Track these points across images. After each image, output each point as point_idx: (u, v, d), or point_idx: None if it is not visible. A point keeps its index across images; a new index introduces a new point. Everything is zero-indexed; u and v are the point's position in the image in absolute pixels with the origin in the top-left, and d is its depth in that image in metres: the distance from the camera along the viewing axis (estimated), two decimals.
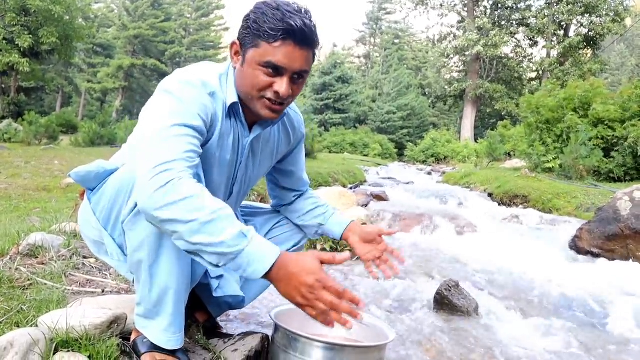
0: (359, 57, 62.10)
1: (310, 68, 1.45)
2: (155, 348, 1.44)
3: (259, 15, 1.35)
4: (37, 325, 1.48)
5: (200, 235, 1.16)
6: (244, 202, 1.89)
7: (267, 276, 1.21)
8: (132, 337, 1.51)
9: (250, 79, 1.39)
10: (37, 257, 2.29)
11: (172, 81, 1.39)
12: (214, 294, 1.62)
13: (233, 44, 1.45)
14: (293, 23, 1.33)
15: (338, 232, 1.81)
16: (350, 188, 8.95)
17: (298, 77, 1.41)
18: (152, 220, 1.22)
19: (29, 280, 1.97)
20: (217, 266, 1.20)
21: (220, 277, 1.65)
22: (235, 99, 1.45)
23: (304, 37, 1.35)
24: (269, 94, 1.40)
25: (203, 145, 1.40)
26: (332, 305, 1.21)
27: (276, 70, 1.37)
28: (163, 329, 1.43)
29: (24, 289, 1.87)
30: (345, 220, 1.82)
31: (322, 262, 1.25)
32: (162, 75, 47.97)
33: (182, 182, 1.19)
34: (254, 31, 1.36)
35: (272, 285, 1.76)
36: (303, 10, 1.38)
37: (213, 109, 1.41)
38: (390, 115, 39.59)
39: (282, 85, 1.38)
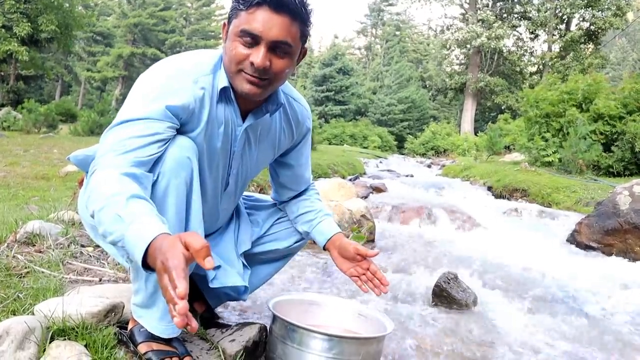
0: (359, 48, 61.90)
1: (295, 42, 1.36)
2: (152, 337, 1.43)
3: None
4: (33, 313, 1.47)
5: (99, 225, 1.13)
6: (248, 193, 1.87)
7: (146, 260, 1.04)
8: (129, 327, 1.50)
9: (230, 52, 1.34)
10: (35, 245, 2.27)
11: (147, 73, 1.39)
12: (210, 285, 1.60)
13: (223, 24, 1.41)
14: None
15: (321, 243, 1.76)
16: (350, 179, 8.94)
17: (278, 49, 1.33)
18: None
19: (26, 268, 1.96)
20: (130, 260, 1.17)
21: (217, 267, 1.63)
22: (225, 83, 1.40)
23: (280, 2, 1.28)
24: (246, 67, 1.33)
25: (185, 133, 1.38)
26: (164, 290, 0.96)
27: (252, 39, 1.30)
28: (159, 317, 1.41)
29: (21, 277, 1.86)
30: (329, 232, 1.75)
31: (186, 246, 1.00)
32: None
33: (95, 175, 1.20)
34: (235, 3, 1.33)
35: (274, 276, 1.74)
36: None
37: (195, 97, 1.35)
38: (390, 107, 39.54)
39: (257, 55, 1.30)
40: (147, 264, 1.05)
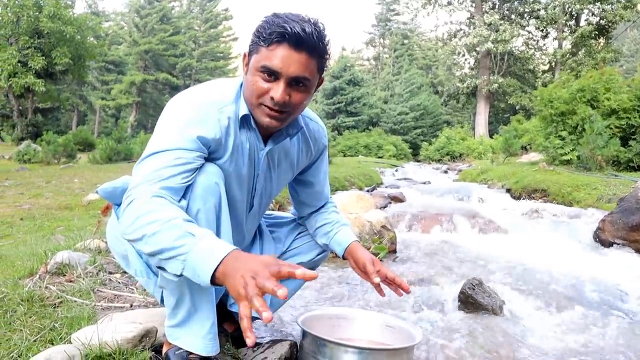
0: (368, 59, 62.11)
1: (313, 76, 1.41)
2: None
3: (262, 24, 1.37)
4: (70, 342, 1.51)
5: (151, 246, 1.19)
6: (268, 212, 1.91)
7: (217, 274, 1.10)
8: (164, 350, 1.53)
9: (251, 86, 1.40)
10: (65, 275, 2.33)
11: (173, 104, 1.43)
12: (229, 309, 1.64)
13: (244, 55, 1.46)
14: (289, 27, 1.32)
15: (339, 253, 1.79)
16: (367, 191, 8.95)
17: (297, 84, 1.38)
18: (129, 243, 1.31)
19: (58, 298, 2.01)
20: (179, 275, 1.17)
21: None
22: (246, 111, 1.46)
23: (299, 40, 1.33)
24: (266, 100, 1.38)
25: (213, 160, 1.43)
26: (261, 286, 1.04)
27: (272, 75, 1.36)
28: (202, 335, 1.44)
29: (54, 307, 1.91)
30: (345, 241, 1.78)
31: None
32: (174, 88, 48.67)
33: (135, 203, 1.23)
34: (255, 38, 1.38)
35: (298, 292, 1.76)
36: (308, 18, 1.37)
37: (221, 126, 1.42)
38: (402, 116, 39.53)
39: (277, 90, 1.36)
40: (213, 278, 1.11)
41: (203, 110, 1.40)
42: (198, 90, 1.47)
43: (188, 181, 1.33)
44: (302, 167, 1.76)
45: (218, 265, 1.10)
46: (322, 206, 1.89)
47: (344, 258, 1.79)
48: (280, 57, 1.34)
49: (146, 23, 47.00)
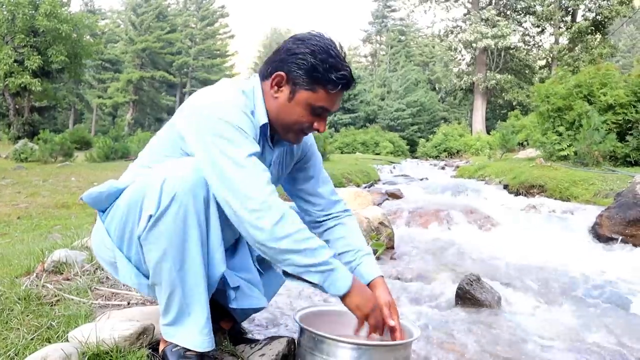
0: (365, 56, 61.96)
1: None
2: (184, 357, 1.46)
3: (317, 62, 1.47)
4: (67, 340, 1.51)
5: (309, 259, 1.38)
6: None
7: (348, 290, 1.46)
8: (161, 348, 1.52)
9: (297, 116, 1.53)
10: (62, 273, 2.33)
11: (215, 104, 1.43)
12: (230, 305, 1.63)
13: (277, 75, 1.51)
14: (348, 75, 1.50)
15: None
16: (365, 187, 8.95)
17: None
18: (269, 251, 1.38)
19: (56, 296, 2.01)
20: (316, 285, 1.41)
21: (237, 288, 1.66)
22: (266, 120, 1.54)
23: (353, 84, 1.54)
24: (308, 129, 1.57)
25: None
26: (383, 323, 1.55)
27: (324, 112, 1.54)
28: (197, 330, 1.44)
29: (51, 305, 1.91)
30: (369, 275, 1.69)
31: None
32: (171, 86, 48.60)
33: (291, 215, 1.37)
34: (312, 75, 1.48)
35: (282, 286, 1.89)
36: (343, 53, 1.52)
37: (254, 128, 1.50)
38: (399, 112, 39.50)
39: (322, 124, 1.56)
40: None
41: (243, 113, 1.46)
42: (226, 92, 1.49)
43: None
44: (290, 165, 1.77)
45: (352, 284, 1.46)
46: (338, 216, 1.82)
47: None
48: (337, 99, 1.55)
49: (142, 21, 46.82)
